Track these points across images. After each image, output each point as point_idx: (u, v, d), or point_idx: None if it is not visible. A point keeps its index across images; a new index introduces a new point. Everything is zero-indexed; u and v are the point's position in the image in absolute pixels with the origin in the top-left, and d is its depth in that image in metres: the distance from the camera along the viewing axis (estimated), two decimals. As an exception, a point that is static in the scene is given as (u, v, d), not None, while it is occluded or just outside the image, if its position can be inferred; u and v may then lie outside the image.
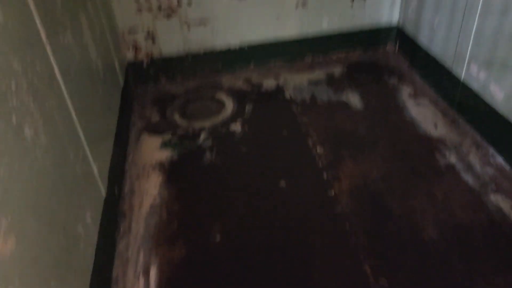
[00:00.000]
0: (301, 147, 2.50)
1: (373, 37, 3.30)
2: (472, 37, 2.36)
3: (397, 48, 3.32)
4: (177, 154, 2.52)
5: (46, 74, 1.46)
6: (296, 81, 3.13)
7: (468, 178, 2.19)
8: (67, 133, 1.58)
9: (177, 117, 2.85)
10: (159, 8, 2.89)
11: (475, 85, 2.41)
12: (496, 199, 2.05)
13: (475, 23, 2.32)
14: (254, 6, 2.99)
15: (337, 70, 3.21)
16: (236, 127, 2.71)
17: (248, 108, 2.89)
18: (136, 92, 3.12)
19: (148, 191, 2.26)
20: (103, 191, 1.92)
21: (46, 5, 1.59)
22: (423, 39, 2.91)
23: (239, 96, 3.01)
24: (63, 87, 1.60)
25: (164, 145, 2.60)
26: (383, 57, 3.32)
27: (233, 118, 2.80)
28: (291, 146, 2.53)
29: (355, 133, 2.57)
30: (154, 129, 2.76)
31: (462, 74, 2.50)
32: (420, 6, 2.88)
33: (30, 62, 1.34)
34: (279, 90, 3.05)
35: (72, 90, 1.70)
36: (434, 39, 2.77)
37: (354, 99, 2.87)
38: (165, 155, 2.52)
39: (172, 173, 2.38)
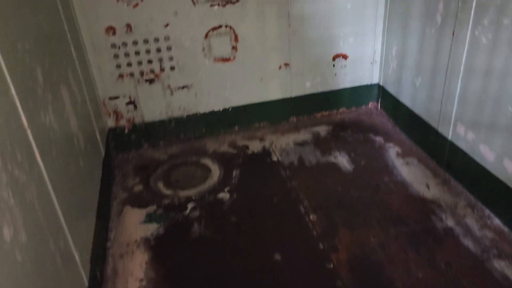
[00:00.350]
0: (294, 215, 2.40)
1: (356, 96, 3.33)
2: (456, 98, 2.39)
3: (379, 106, 3.35)
4: (163, 228, 2.37)
5: (27, 162, 1.34)
6: (283, 143, 3.08)
7: (468, 242, 2.13)
8: (48, 222, 1.44)
9: (161, 186, 2.72)
10: (141, 73, 2.84)
11: (463, 145, 2.41)
12: (501, 266, 1.98)
13: (459, 85, 2.36)
14: (238, 68, 2.99)
15: (323, 130, 3.19)
16: (224, 195, 2.60)
17: (235, 173, 2.80)
18: (117, 160, 3.00)
19: (133, 272, 2.09)
20: (85, 280, 1.75)
21: (27, 84, 1.50)
22: (406, 98, 2.94)
23: (225, 161, 2.92)
24: (44, 172, 1.48)
25: (149, 218, 2.46)
26: (366, 115, 3.34)
27: (220, 185, 2.69)
28: (283, 214, 2.43)
29: (347, 196, 2.50)
30: (137, 201, 2.62)
31: (449, 134, 2.51)
32: (400, 66, 2.94)
33: (10, 152, 1.23)
34: (266, 153, 2.99)
35: (53, 172, 1.57)
36: (417, 99, 2.80)
37: (342, 160, 2.83)
38: (150, 229, 2.37)
39: (158, 249, 2.23)
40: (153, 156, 3.03)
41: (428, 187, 2.53)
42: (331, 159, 2.86)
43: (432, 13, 2.48)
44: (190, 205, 2.53)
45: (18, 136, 1.32)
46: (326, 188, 2.58)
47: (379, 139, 3.04)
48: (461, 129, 2.40)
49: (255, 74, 3.05)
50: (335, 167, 2.78)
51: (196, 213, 2.47)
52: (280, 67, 3.07)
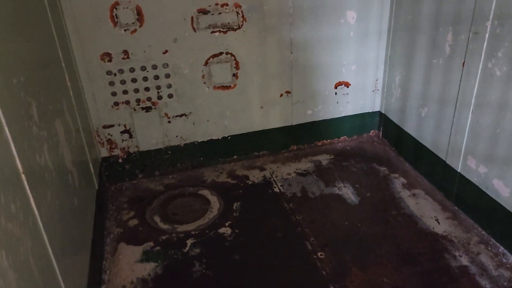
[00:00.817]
0: (300, 252, 2.28)
1: (357, 124, 3.26)
2: (467, 130, 2.33)
3: (381, 134, 3.28)
4: (161, 267, 2.22)
5: (21, 212, 1.20)
6: (284, 173, 2.97)
7: (485, 282, 2.03)
8: (42, 276, 1.29)
9: (158, 220, 2.58)
10: (138, 101, 2.72)
11: (474, 179, 2.34)
12: (523, 310, 1.88)
13: (469, 117, 2.29)
14: (238, 96, 2.89)
15: (325, 159, 3.10)
16: (226, 230, 2.47)
17: (236, 206, 2.67)
18: (111, 191, 2.84)
19: (131, 319, 1.93)
20: (80, 334, 1.59)
21: (22, 123, 1.37)
22: (410, 127, 2.88)
23: (225, 192, 2.79)
24: (39, 220, 1.34)
25: (146, 256, 2.30)
26: (368, 144, 3.26)
27: (221, 219, 2.56)
28: (289, 251, 2.30)
29: (356, 232, 2.39)
30: (132, 237, 2.46)
31: (459, 166, 2.44)
32: (404, 95, 2.89)
33: (4, 204, 1.09)
34: (267, 183, 2.87)
35: (48, 219, 1.43)
36: (423, 129, 2.73)
37: (347, 192, 2.73)
38: (147, 269, 2.21)
39: (158, 293, 2.07)
40: (148, 187, 2.89)
41: (438, 221, 2.44)
42: (336, 190, 2.75)
43: (440, 44, 2.43)
44: (189, 241, 2.38)
45: (12, 183, 1.18)
46: (333, 223, 2.47)
47: (383, 169, 2.95)
48: (472, 162, 2.33)
49: (255, 102, 2.96)
50: (340, 199, 2.67)
51: (197, 250, 2.32)
52: (281, 95, 2.98)
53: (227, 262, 2.25)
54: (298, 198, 2.70)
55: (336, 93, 3.09)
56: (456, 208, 2.51)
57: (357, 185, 2.79)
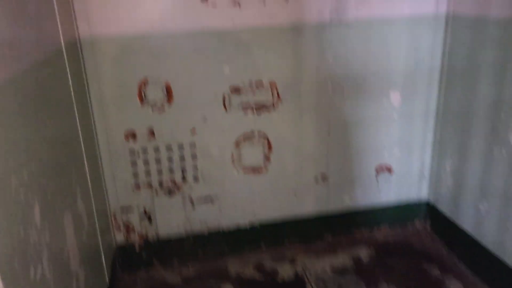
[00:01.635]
0: None
1: (401, 213, 2.91)
2: (541, 235, 1.97)
3: (428, 226, 2.91)
4: None
5: None
6: (318, 269, 2.61)
7: None
8: None
9: (173, 323, 2.23)
10: (161, 183, 2.49)
11: (554, 296, 1.93)
12: None
13: (544, 220, 1.94)
14: (269, 180, 2.63)
15: (364, 253, 2.73)
16: None
17: (264, 309, 2.31)
18: (123, 282, 2.53)
19: None
20: None
21: (16, 241, 1.12)
22: (467, 222, 2.51)
23: (251, 290, 2.45)
24: None
25: None
26: (414, 237, 2.88)
27: (246, 326, 2.19)
28: None
29: None
30: None
31: (532, 277, 2.05)
32: (457, 185, 2.56)
33: None
34: (299, 281, 2.51)
35: None
36: (483, 227, 2.37)
37: (394, 298, 2.34)
38: None
39: None
40: (164, 280, 2.57)
41: None
42: (380, 295, 2.37)
43: (502, 132, 2.14)
44: None
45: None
46: None
47: (435, 270, 2.55)
48: (550, 275, 1.94)
49: (288, 186, 2.68)
50: (386, 307, 2.28)
51: None
52: (316, 179, 2.71)
53: None
54: (336, 303, 2.32)
55: (377, 178, 2.79)
56: (529, 328, 2.08)
57: (404, 289, 2.40)
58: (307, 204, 2.76)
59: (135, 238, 2.56)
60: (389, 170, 2.80)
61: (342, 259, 2.70)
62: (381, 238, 2.89)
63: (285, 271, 2.60)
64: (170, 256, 2.64)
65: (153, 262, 2.63)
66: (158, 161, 2.45)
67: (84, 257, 1.78)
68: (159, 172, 2.47)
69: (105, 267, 2.22)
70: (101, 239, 2.20)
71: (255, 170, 2.60)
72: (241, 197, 2.63)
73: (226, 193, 2.60)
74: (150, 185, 2.48)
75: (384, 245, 2.82)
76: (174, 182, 2.51)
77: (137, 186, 2.46)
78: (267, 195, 2.67)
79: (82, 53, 2.17)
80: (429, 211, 2.89)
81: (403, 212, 2.92)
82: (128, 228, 2.53)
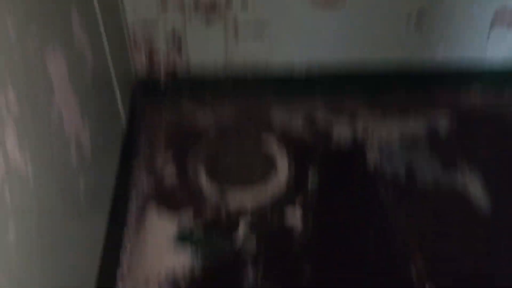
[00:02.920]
0: (400, 278, 1.57)
1: (503, 75, 2.23)
2: None
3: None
4: (201, 264, 1.58)
5: None
6: (383, 135, 2.10)
7: None
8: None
9: (202, 176, 1.88)
10: (196, 5, 1.81)
11: None
12: None
13: None
14: (344, 19, 1.92)
15: (443, 123, 2.17)
16: (294, 217, 1.74)
17: (312, 177, 1.90)
18: (145, 121, 2.12)
19: None
20: None
21: None
22: None
23: (298, 151, 2.00)
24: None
25: (182, 239, 1.66)
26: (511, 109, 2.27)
27: (289, 195, 1.82)
28: (383, 271, 1.59)
29: (485, 272, 1.61)
30: (166, 197, 1.81)
31: None
32: None
33: None
34: (358, 148, 2.04)
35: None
36: None
37: (474, 187, 1.88)
38: (181, 261, 1.59)
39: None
40: (195, 119, 2.13)
41: None
42: (457, 182, 1.90)
43: None
44: (242, 227, 1.70)
45: None
46: (450, 244, 1.68)
47: (532, 157, 2.03)
48: None
49: (369, 24, 1.97)
50: (462, 199, 1.84)
51: (251, 244, 1.65)
52: (409, 16, 1.97)
53: (293, 274, 1.58)
54: (402, 185, 1.88)
55: (489, 32, 2.03)
56: None
57: (490, 177, 1.91)
58: (382, 46, 2.09)
59: (160, 70, 2.03)
60: (509, 24, 2.00)
61: (414, 126, 2.15)
62: (468, 104, 2.27)
63: (342, 133, 2.10)
64: (203, 96, 2.15)
65: (180, 101, 2.15)
66: (193, -30, 1.72)
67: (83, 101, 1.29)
68: (195, -14, 1.77)
69: (120, 104, 1.76)
70: (114, 69, 1.67)
71: (327, 3, 1.86)
72: (298, 31, 1.97)
73: (280, 24, 1.93)
74: (182, 6, 1.81)
75: (471, 115, 2.22)
76: (214, 6, 1.82)
77: (164, 3, 1.80)
78: (337, 36, 1.99)
79: None
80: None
81: (506, 75, 2.23)
82: (152, 58, 1.97)
